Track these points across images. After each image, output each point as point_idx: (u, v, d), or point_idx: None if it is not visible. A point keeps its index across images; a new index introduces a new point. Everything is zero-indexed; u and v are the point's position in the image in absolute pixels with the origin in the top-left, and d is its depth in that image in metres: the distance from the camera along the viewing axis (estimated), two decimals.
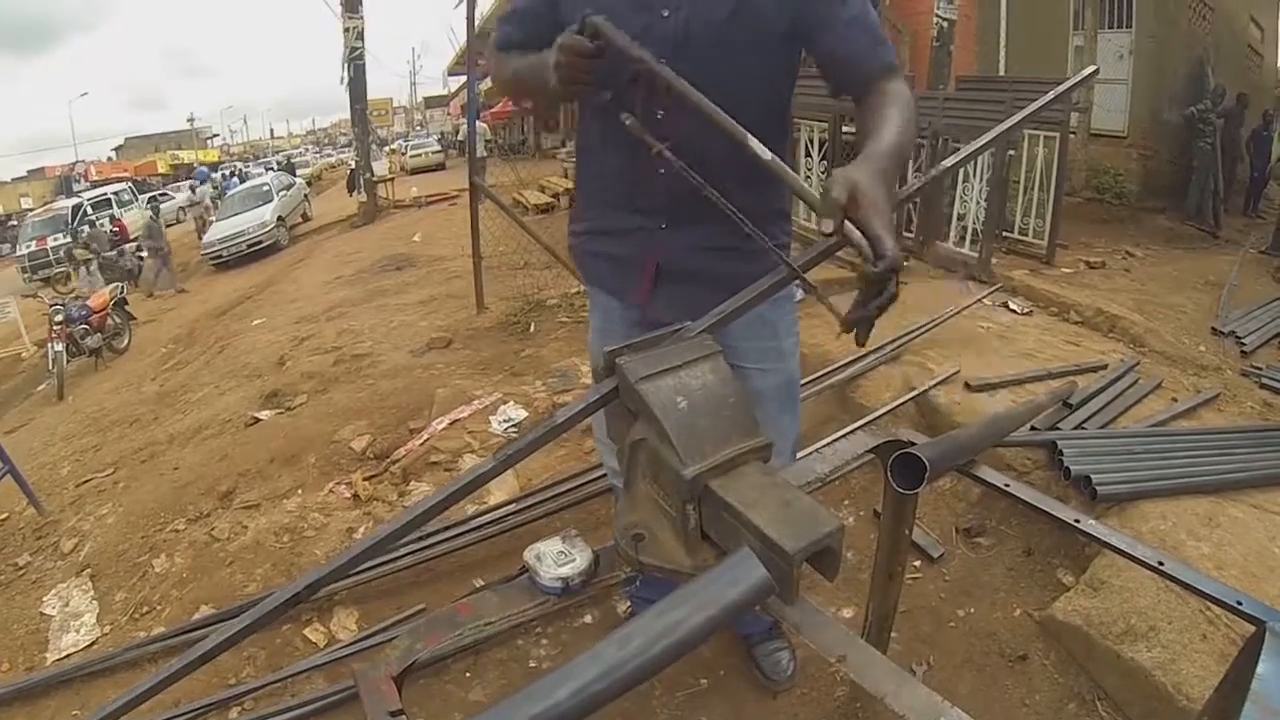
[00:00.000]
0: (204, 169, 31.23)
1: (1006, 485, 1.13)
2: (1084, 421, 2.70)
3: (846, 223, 0.80)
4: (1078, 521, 1.07)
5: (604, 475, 2.48)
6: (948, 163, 1.26)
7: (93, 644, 2.38)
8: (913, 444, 1.04)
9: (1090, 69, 1.99)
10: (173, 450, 4.11)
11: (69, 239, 16.75)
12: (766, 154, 0.92)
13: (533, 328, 4.80)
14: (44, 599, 2.66)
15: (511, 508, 2.60)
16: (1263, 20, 11.60)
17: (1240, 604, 0.90)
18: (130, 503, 3.33)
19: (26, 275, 16.86)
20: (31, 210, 23.66)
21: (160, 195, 25.14)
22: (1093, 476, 2.18)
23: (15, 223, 24.96)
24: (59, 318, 7.91)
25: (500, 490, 2.77)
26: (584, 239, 1.44)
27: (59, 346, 7.71)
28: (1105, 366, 3.28)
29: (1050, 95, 1.61)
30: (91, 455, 4.68)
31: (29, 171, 41.58)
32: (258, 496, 3.07)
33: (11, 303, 10.19)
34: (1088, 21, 7.98)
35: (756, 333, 1.29)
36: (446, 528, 2.51)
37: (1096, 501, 2.13)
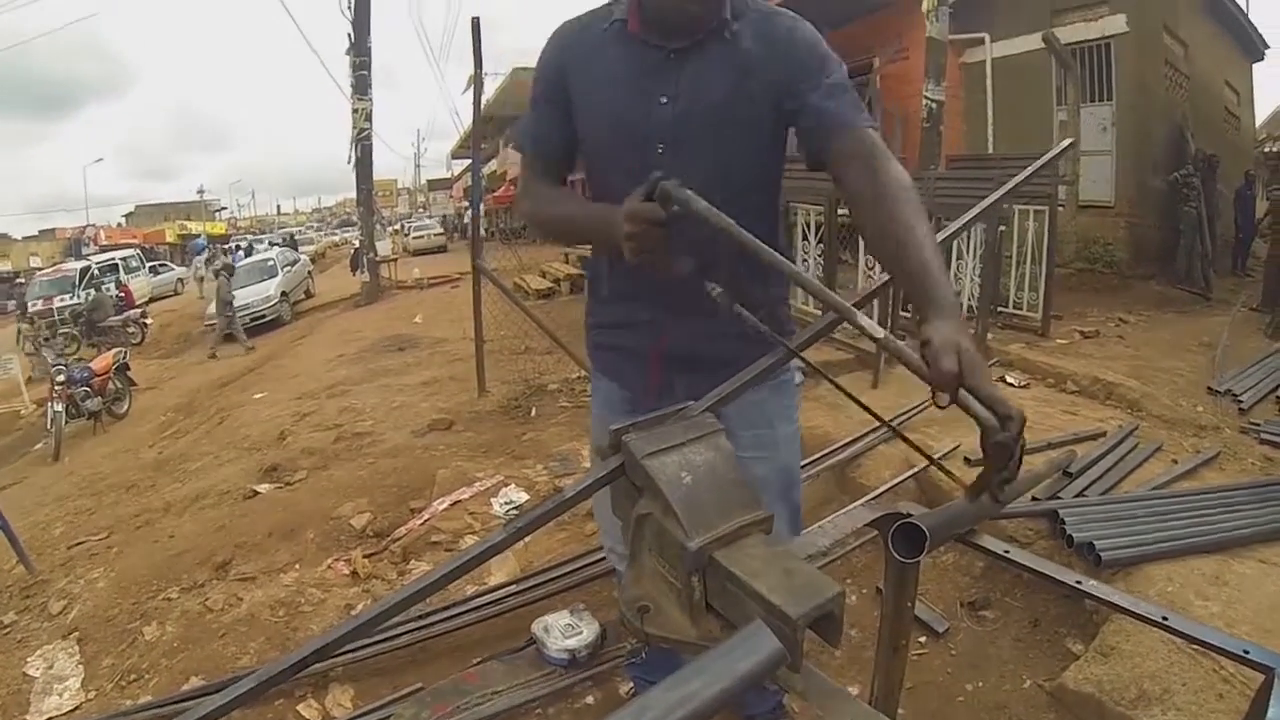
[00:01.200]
0: (200, 240, 31.86)
1: (1006, 552, 1.14)
2: (1085, 489, 2.70)
3: (961, 391, 0.78)
4: (1079, 583, 1.08)
5: (605, 558, 2.47)
6: (938, 239, 1.31)
7: (76, 709, 2.33)
8: (911, 516, 1.05)
9: (1067, 141, 2.09)
10: (169, 518, 4.10)
11: (20, 319, 16.69)
12: (879, 331, 0.86)
13: (534, 412, 4.86)
14: (28, 660, 2.62)
15: (512, 588, 2.57)
16: (1237, 84, 12.14)
17: (1247, 653, 0.89)
18: (123, 568, 3.31)
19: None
20: (40, 269, 24.03)
21: (160, 265, 25.57)
22: (1096, 542, 2.18)
23: (23, 280, 25.33)
24: (60, 378, 7.95)
25: (500, 571, 2.76)
26: (595, 332, 1.44)
27: (58, 407, 7.71)
28: (1104, 434, 3.30)
29: (1031, 169, 1.69)
30: (85, 518, 4.66)
31: (40, 231, 42.83)
32: (254, 569, 3.05)
33: (14, 359, 10.24)
34: (1070, 97, 8.30)
35: (752, 421, 1.28)
36: (445, 607, 2.48)
37: (1101, 567, 2.12)
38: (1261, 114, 14.55)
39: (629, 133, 1.19)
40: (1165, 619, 1.00)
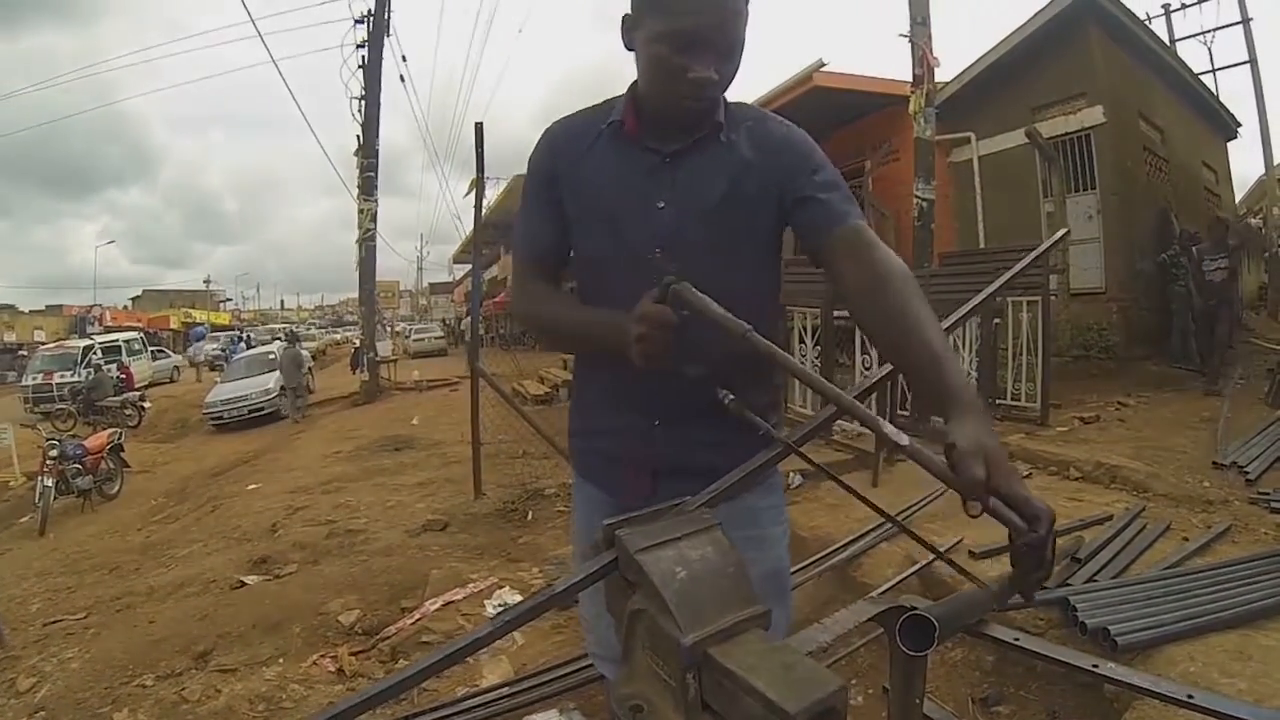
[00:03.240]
0: (201, 328, 32.25)
1: (1016, 639, 1.10)
2: (1095, 574, 2.65)
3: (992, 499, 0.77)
4: (1095, 666, 1.03)
5: None
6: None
7: None
8: (916, 609, 1.02)
9: (1063, 231, 2.14)
10: (151, 603, 4.03)
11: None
12: (904, 439, 0.82)
13: (530, 515, 4.85)
14: None
15: (504, 690, 2.50)
16: (1214, 164, 12.65)
17: None
18: (98, 650, 3.24)
19: (28, 406, 17.02)
20: (44, 344, 24.19)
21: (159, 351, 25.75)
22: (1111, 628, 2.13)
23: (25, 353, 25.44)
24: (53, 453, 7.91)
25: (493, 673, 2.69)
26: (578, 438, 1.38)
27: (49, 481, 7.63)
28: (1111, 517, 3.25)
29: (1026, 260, 1.72)
30: (65, 596, 4.60)
31: (47, 306, 42.98)
32: (236, 661, 2.97)
33: (9, 430, 10.16)
34: (1055, 188, 8.56)
35: (738, 521, 1.16)
36: (435, 708, 2.40)
37: (1118, 653, 2.06)
38: (1238, 190, 15.09)
39: (626, 237, 1.18)
40: (1190, 697, 0.96)
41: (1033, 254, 1.61)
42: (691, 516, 0.83)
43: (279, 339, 22.97)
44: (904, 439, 0.82)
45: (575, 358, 1.43)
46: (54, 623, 3.85)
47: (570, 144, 1.24)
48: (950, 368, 0.92)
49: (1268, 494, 3.58)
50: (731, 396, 0.99)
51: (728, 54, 1.11)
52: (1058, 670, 2.12)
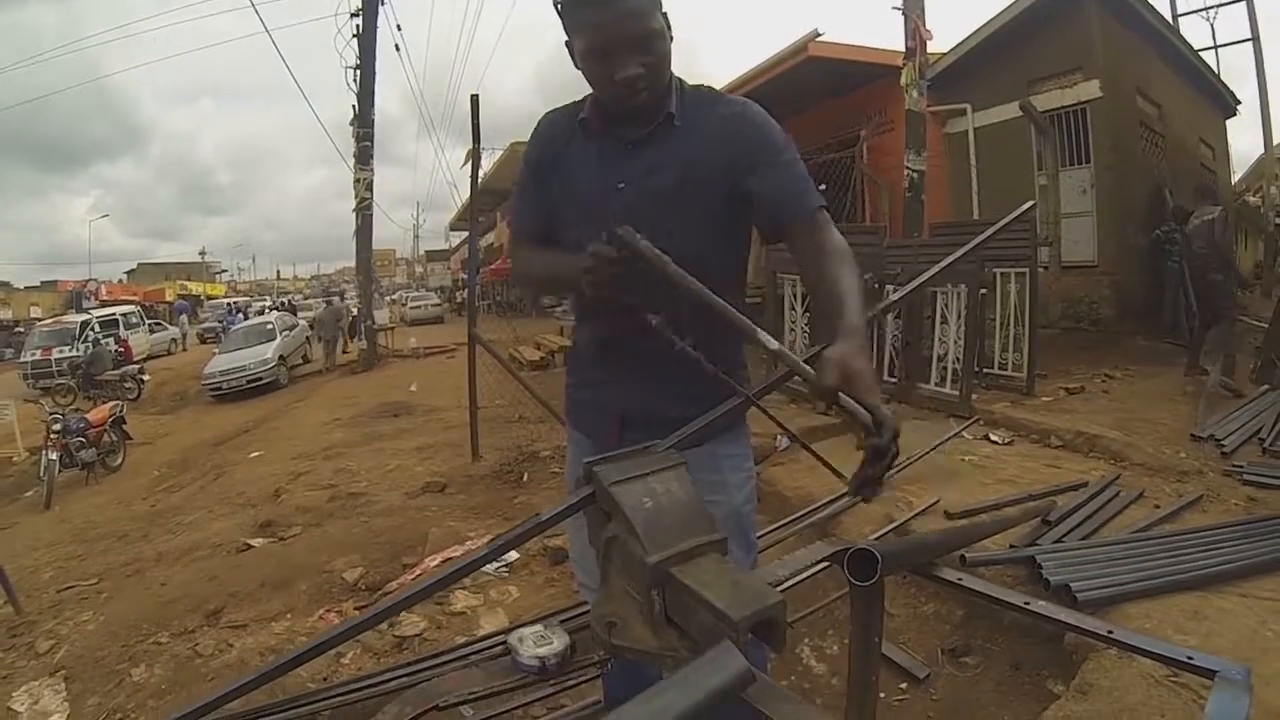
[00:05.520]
0: (184, 302, 32.52)
1: (960, 579, 1.21)
2: (1064, 536, 2.76)
3: (842, 396, 0.91)
4: (1026, 604, 1.15)
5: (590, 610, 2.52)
6: (894, 296, 1.42)
7: None
8: (863, 546, 1.13)
9: (1028, 204, 2.22)
10: (161, 568, 4.15)
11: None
12: (773, 344, 1.05)
13: (526, 477, 4.96)
14: (13, 694, 2.66)
15: (500, 639, 2.61)
16: (1211, 140, 12.53)
17: (1191, 659, 0.96)
18: (113, 612, 3.36)
19: (29, 382, 17.08)
20: (40, 320, 24.18)
21: (157, 324, 25.85)
22: (1072, 584, 2.24)
23: (22, 330, 25.42)
24: (56, 427, 7.99)
25: (490, 623, 2.82)
26: (570, 388, 1.58)
27: (53, 455, 7.72)
28: (1086, 484, 3.36)
29: (987, 234, 1.82)
30: (76, 564, 4.70)
31: (42, 282, 42.32)
32: (245, 618, 3.10)
33: (11, 406, 10.26)
34: (1048, 162, 8.57)
35: (701, 465, 1.28)
36: (434, 655, 2.51)
37: (1078, 607, 2.15)
38: (1237, 169, 15.02)
39: (592, 216, 1.31)
40: (1110, 632, 1.08)
41: (988, 230, 1.70)
42: (659, 456, 0.95)
43: (274, 309, 23.29)
44: (774, 344, 1.04)
45: (575, 320, 1.61)
46: (67, 589, 3.95)
47: (553, 136, 1.43)
48: (847, 311, 1.08)
49: (1241, 466, 3.67)
50: (659, 319, 1.17)
51: (644, 47, 1.24)
52: (1025, 623, 2.24)
